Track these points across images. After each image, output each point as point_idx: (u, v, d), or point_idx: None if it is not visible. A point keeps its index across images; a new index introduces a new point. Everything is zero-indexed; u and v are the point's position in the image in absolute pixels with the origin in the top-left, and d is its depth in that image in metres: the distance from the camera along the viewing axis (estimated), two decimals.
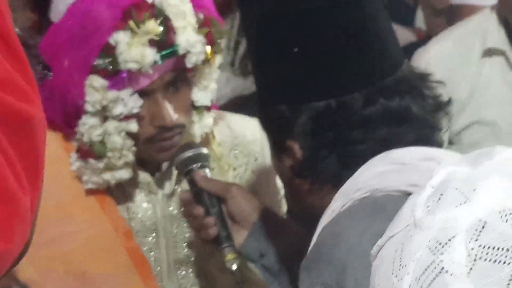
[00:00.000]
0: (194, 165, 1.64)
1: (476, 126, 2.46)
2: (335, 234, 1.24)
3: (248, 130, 1.82)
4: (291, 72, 1.34)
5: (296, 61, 1.33)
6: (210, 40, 1.68)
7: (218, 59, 1.74)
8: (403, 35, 3.93)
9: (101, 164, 1.66)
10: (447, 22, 3.06)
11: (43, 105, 1.69)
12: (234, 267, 1.56)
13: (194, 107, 1.75)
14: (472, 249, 0.63)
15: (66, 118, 1.68)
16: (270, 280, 1.57)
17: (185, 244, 1.79)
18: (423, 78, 1.38)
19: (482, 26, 2.47)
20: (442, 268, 0.63)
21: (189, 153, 1.65)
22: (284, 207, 1.87)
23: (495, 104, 2.44)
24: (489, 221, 0.63)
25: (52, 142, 1.71)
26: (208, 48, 1.68)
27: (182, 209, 1.69)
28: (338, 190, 1.26)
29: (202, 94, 1.74)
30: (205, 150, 1.68)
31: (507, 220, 0.63)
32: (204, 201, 1.60)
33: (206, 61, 1.70)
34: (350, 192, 1.22)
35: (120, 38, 1.60)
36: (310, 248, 1.28)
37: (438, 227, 0.64)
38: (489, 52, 2.45)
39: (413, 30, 4.01)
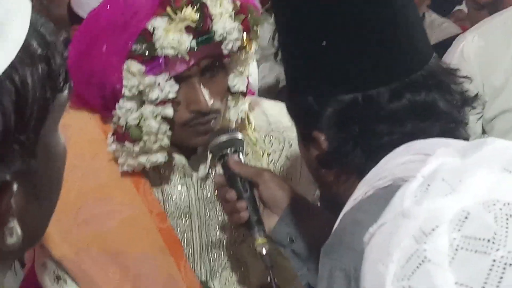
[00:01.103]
0: (228, 150, 1.67)
1: (508, 114, 2.44)
2: (356, 220, 1.25)
3: (284, 116, 1.83)
4: (319, 64, 1.35)
5: (324, 54, 1.33)
6: (246, 27, 1.70)
7: (254, 46, 1.76)
8: (449, 28, 3.92)
9: (136, 148, 1.69)
10: (489, 16, 3.04)
11: (82, 88, 1.72)
12: (264, 251, 1.58)
13: (230, 92, 1.77)
14: (455, 239, 0.64)
15: (104, 101, 1.71)
16: (299, 265, 1.58)
17: (218, 227, 1.82)
18: (450, 73, 1.38)
19: None
20: (425, 257, 0.64)
21: (223, 138, 1.67)
22: (317, 194, 1.88)
23: None
24: (473, 212, 0.64)
25: (91, 124, 1.77)
26: (244, 35, 1.70)
27: (215, 192, 1.72)
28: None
29: (238, 80, 1.76)
30: (239, 135, 1.69)
31: (490, 211, 0.64)
32: (236, 185, 1.63)
33: (242, 48, 1.71)
34: (373, 180, 1.23)
35: (158, 24, 1.62)
36: (331, 234, 1.30)
37: (424, 216, 0.66)
38: None
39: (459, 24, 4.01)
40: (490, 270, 0.63)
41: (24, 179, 0.75)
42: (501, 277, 0.63)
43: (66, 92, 0.80)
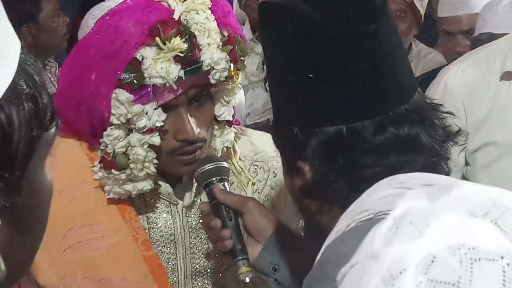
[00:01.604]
0: (214, 178, 1.68)
1: (489, 147, 2.47)
2: (338, 252, 1.27)
3: (269, 146, 1.85)
4: (304, 96, 1.37)
5: (310, 87, 1.35)
6: (234, 57, 1.72)
7: (241, 76, 1.79)
8: (436, 57, 3.97)
9: (123, 175, 1.71)
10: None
11: (71, 115, 1.74)
12: (247, 279, 1.59)
13: (216, 121, 1.79)
14: (421, 282, 0.66)
15: (92, 128, 1.73)
16: None
17: (202, 255, 1.83)
18: (434, 108, 1.40)
19: (503, 50, 2.48)
20: None
21: (209, 166, 1.69)
22: (301, 224, 1.90)
23: (511, 127, 2.45)
24: (438, 256, 0.66)
25: (78, 151, 1.78)
26: (232, 65, 1.73)
27: (200, 220, 1.73)
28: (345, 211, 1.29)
29: (224, 109, 1.78)
30: (225, 164, 1.71)
31: (455, 256, 0.66)
32: (221, 213, 1.64)
33: (229, 78, 1.74)
34: (354, 213, 1.24)
35: (147, 54, 1.64)
36: (314, 265, 1.31)
37: (392, 259, 0.67)
38: (508, 75, 2.47)
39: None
40: None
41: (8, 215, 0.76)
42: None
43: (53, 131, 0.82)
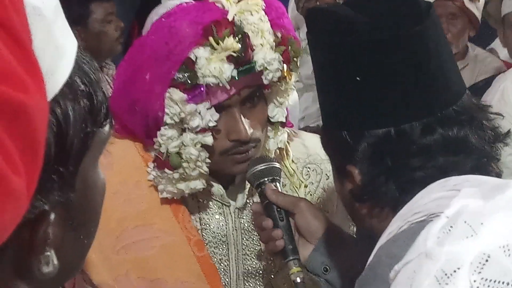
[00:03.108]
0: (266, 179, 1.68)
1: None
2: (390, 254, 1.26)
3: (322, 148, 1.85)
4: (353, 100, 1.37)
5: (358, 89, 1.36)
6: (287, 58, 1.72)
7: (294, 77, 1.78)
8: (493, 62, 3.91)
9: (176, 175, 1.72)
10: None
11: (126, 115, 1.76)
12: (298, 280, 1.59)
13: (269, 123, 1.79)
14: (475, 281, 0.65)
15: (146, 129, 1.74)
16: None
17: (254, 256, 1.83)
18: (482, 109, 1.39)
19: None
20: None
21: (261, 167, 1.69)
22: (353, 226, 1.88)
23: None
24: (493, 255, 0.65)
25: (132, 152, 1.80)
26: (285, 66, 1.73)
27: (252, 222, 1.73)
28: (396, 214, 1.28)
29: (277, 110, 1.78)
30: (277, 164, 1.71)
31: (509, 255, 0.65)
32: (273, 214, 1.64)
33: (282, 79, 1.74)
34: (407, 215, 1.24)
35: (200, 54, 1.65)
36: (366, 267, 1.31)
37: (446, 258, 0.66)
38: None
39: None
40: None
41: (62, 211, 0.77)
42: None
43: (107, 128, 0.83)
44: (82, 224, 0.82)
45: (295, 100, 3.00)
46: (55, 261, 0.77)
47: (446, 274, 0.66)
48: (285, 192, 1.77)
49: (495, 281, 0.64)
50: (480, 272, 0.65)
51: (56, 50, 0.75)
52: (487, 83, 3.04)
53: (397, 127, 1.33)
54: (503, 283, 0.64)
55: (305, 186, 1.87)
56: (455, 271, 0.65)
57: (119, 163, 1.77)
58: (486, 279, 0.64)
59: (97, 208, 0.85)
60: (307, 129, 3.52)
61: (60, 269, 0.78)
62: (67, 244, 0.80)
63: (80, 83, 0.78)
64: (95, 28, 3.95)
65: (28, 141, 0.66)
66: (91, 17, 3.95)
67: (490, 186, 0.72)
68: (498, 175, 1.36)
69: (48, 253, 0.77)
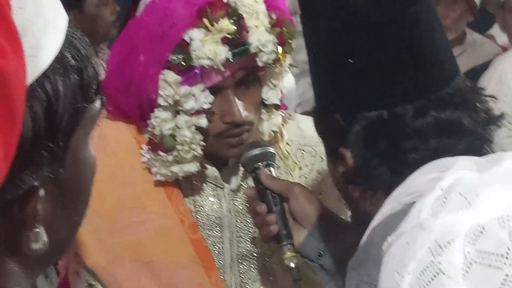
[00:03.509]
0: (260, 163, 1.67)
1: None
2: (383, 235, 1.25)
3: None
4: (345, 82, 1.37)
5: (351, 72, 1.35)
6: (282, 40, 1.71)
7: (289, 59, 1.77)
8: (491, 48, 3.90)
9: (170, 157, 1.71)
10: None
11: (120, 97, 1.75)
12: (292, 264, 1.58)
13: (263, 105, 1.78)
14: (469, 253, 0.64)
15: (140, 111, 1.73)
16: (326, 279, 1.59)
17: (249, 239, 1.82)
18: (476, 91, 1.39)
19: None
20: (440, 269, 0.65)
21: (255, 151, 1.68)
22: (347, 209, 1.88)
23: None
24: (487, 227, 0.65)
25: (126, 134, 1.79)
26: (279, 48, 1.72)
27: (246, 205, 1.73)
28: (388, 196, 1.27)
29: (272, 93, 1.77)
30: (271, 149, 1.70)
31: (504, 227, 0.64)
32: (267, 198, 1.63)
33: (277, 61, 1.73)
34: (400, 196, 1.23)
35: (195, 35, 1.64)
36: (358, 248, 1.30)
37: (439, 229, 0.66)
38: None
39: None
40: (503, 284, 0.63)
41: (52, 187, 0.76)
42: None
43: (98, 104, 0.82)
44: (72, 201, 0.82)
45: (292, 85, 2.99)
46: (45, 238, 0.76)
47: (440, 246, 0.65)
48: (279, 175, 1.76)
49: (489, 253, 0.64)
50: (474, 244, 0.65)
51: (46, 24, 0.75)
52: (485, 67, 3.03)
53: (390, 109, 1.33)
54: (497, 254, 0.63)
55: (300, 169, 1.86)
56: (449, 243, 0.65)
57: (113, 145, 1.76)
58: (481, 251, 0.64)
59: (87, 185, 0.85)
60: (304, 114, 3.50)
61: (50, 247, 0.77)
62: (57, 221, 0.79)
63: (71, 58, 0.77)
64: (91, 11, 3.93)
65: (4, 107, 0.65)
66: (88, 0, 3.93)
67: (485, 159, 0.72)
68: None
69: (38, 230, 0.76)
